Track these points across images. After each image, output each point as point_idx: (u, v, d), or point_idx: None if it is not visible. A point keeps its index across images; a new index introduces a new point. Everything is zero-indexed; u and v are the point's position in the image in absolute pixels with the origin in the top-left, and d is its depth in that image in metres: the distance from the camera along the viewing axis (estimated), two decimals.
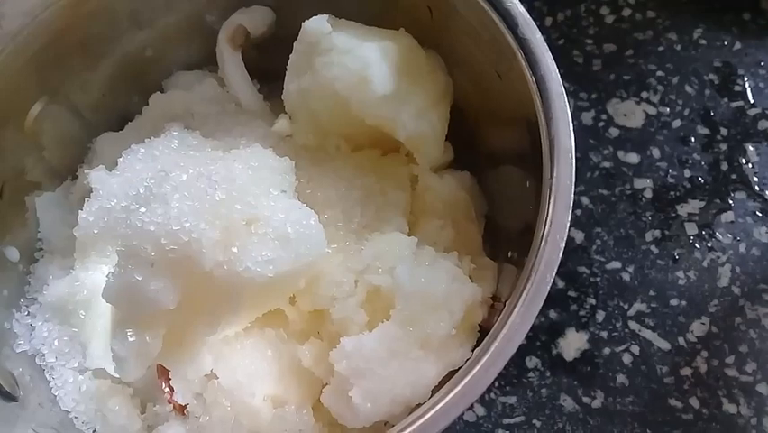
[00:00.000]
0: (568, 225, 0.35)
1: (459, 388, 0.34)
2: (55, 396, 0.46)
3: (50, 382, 0.46)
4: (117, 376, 0.43)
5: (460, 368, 0.37)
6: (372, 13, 0.47)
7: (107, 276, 0.39)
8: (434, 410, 0.34)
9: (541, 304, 0.35)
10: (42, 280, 0.49)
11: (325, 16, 0.45)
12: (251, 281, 0.38)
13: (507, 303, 0.36)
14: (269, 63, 0.50)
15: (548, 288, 0.35)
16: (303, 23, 0.45)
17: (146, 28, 0.51)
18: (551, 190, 0.36)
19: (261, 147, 0.43)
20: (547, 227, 0.36)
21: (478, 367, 0.34)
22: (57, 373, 0.46)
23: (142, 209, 0.37)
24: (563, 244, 0.35)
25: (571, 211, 0.35)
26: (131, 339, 0.38)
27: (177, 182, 0.38)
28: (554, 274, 0.35)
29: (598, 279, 0.57)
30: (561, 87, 0.38)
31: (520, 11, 0.41)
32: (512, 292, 0.37)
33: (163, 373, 0.43)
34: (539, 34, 0.40)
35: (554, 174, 0.36)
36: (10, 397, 0.42)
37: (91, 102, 0.52)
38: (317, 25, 0.44)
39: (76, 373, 0.46)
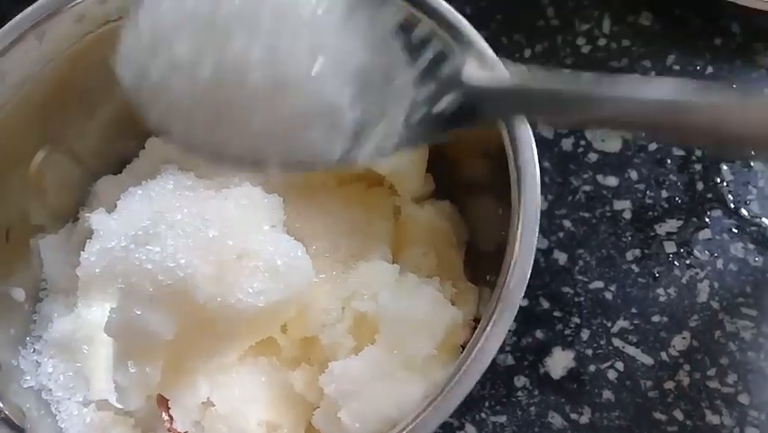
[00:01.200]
0: (534, 248, 0.38)
1: (436, 402, 0.36)
2: (61, 428, 0.47)
3: (56, 415, 0.48)
4: (120, 407, 0.45)
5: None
6: None
7: (109, 312, 0.41)
8: (411, 426, 0.36)
9: (510, 322, 0.37)
10: (47, 319, 0.51)
11: None
12: (244, 312, 0.40)
13: (479, 323, 0.38)
14: None
15: (517, 306, 0.37)
16: None
17: None
18: (519, 216, 0.39)
19: (251, 185, 0.46)
20: (516, 250, 0.38)
21: (452, 383, 0.36)
22: (63, 406, 0.48)
23: (140, 248, 0.40)
24: (530, 267, 0.37)
25: (537, 235, 0.38)
26: (131, 370, 0.40)
27: (172, 222, 0.41)
28: (523, 293, 0.37)
29: (582, 298, 0.59)
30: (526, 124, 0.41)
31: (481, 45, 0.43)
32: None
33: (162, 403, 0.45)
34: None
35: (522, 201, 0.39)
36: (19, 430, 0.44)
37: (90, 148, 0.54)
38: None
39: (80, 406, 0.48)
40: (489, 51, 0.43)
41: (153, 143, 0.54)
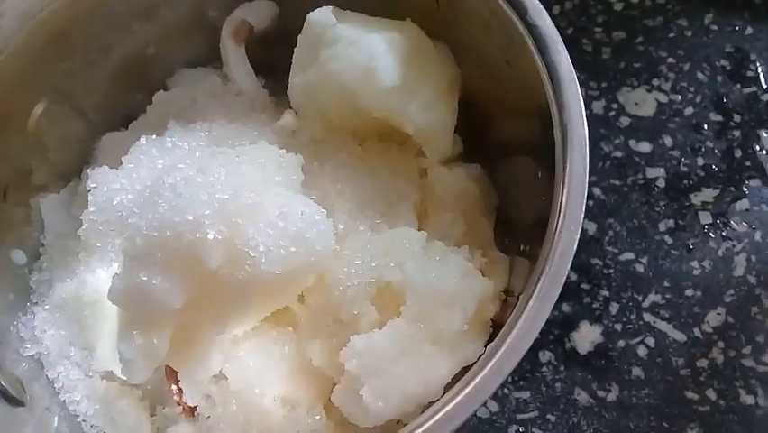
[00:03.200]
0: (582, 215, 0.34)
1: (473, 385, 0.33)
2: (63, 400, 0.45)
3: (56, 385, 0.46)
4: (125, 379, 0.42)
5: (473, 364, 0.37)
6: (377, 4, 0.47)
7: (113, 278, 0.38)
8: (447, 408, 0.33)
9: (556, 297, 0.34)
10: (48, 284, 0.48)
11: (330, 8, 0.44)
12: (259, 279, 0.37)
13: (520, 297, 0.35)
14: (272, 58, 0.50)
15: (563, 280, 0.34)
16: (307, 15, 0.44)
17: (147, 25, 0.50)
18: (564, 180, 0.35)
19: (267, 143, 0.42)
20: (561, 218, 0.35)
21: (492, 363, 0.33)
22: (64, 376, 0.45)
23: (147, 207, 0.37)
24: (578, 236, 0.34)
25: (585, 202, 0.35)
26: (137, 341, 0.37)
27: (181, 179, 0.37)
28: (569, 267, 0.34)
29: (612, 270, 0.56)
30: (573, 74, 0.37)
31: None
32: (525, 286, 0.36)
33: (171, 375, 0.43)
34: (549, 20, 0.39)
35: (567, 163, 0.36)
36: (17, 402, 0.42)
37: (94, 101, 0.51)
38: (322, 17, 0.43)
39: (83, 377, 0.45)
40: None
41: (161, 97, 0.51)
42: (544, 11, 0.39)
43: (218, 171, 0.37)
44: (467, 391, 0.33)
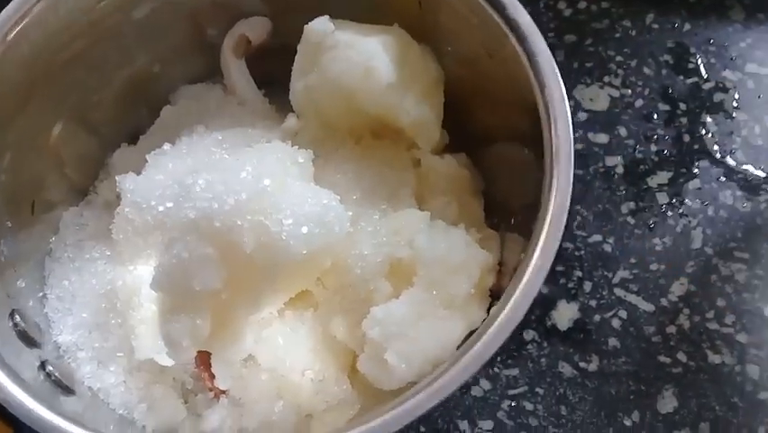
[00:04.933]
0: (571, 188, 0.38)
1: (480, 343, 0.37)
2: (108, 392, 0.47)
3: (95, 376, 0.47)
4: (168, 363, 0.44)
5: (476, 329, 0.40)
6: (364, 13, 0.50)
7: (156, 268, 0.40)
8: (456, 366, 0.36)
9: (550, 264, 0.38)
10: (82, 282, 0.50)
11: (326, 17, 0.48)
12: (287, 261, 0.40)
13: (518, 267, 0.39)
14: (268, 70, 0.53)
15: (555, 251, 0.38)
16: (306, 26, 0.48)
17: (153, 46, 0.54)
18: (553, 157, 0.39)
19: (280, 141, 0.45)
20: (554, 192, 0.39)
21: (499, 319, 0.37)
22: (103, 367, 0.47)
23: (181, 204, 0.40)
24: (566, 213, 0.38)
25: (572, 174, 0.38)
26: (183, 322, 0.39)
27: (210, 176, 0.40)
28: (561, 238, 0.38)
29: (582, 252, 0.60)
30: (551, 59, 0.42)
31: None
32: (521, 257, 0.39)
33: (203, 361, 0.44)
34: (527, 14, 0.43)
35: (554, 139, 0.40)
36: (69, 391, 0.43)
37: (105, 119, 0.54)
38: (320, 26, 0.47)
39: (120, 368, 0.47)
40: None
41: (168, 111, 0.54)
42: (521, 6, 0.43)
43: (243, 167, 0.41)
44: (475, 348, 0.37)
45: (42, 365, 0.44)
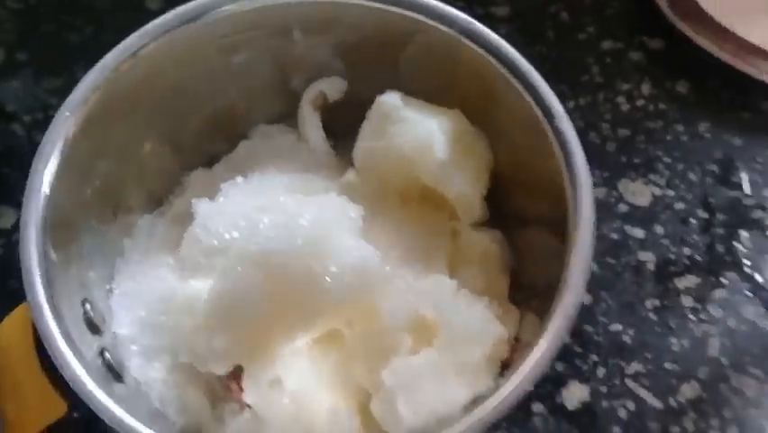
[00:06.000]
0: (585, 284, 0.42)
1: (486, 406, 0.41)
2: (150, 385, 0.51)
3: (141, 369, 0.52)
4: (200, 371, 0.49)
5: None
6: (432, 89, 0.56)
7: (211, 287, 0.46)
8: (460, 425, 0.41)
9: (558, 346, 0.42)
10: (145, 283, 0.55)
11: (397, 93, 0.54)
12: (329, 302, 0.46)
13: (530, 343, 0.43)
14: (337, 123, 0.60)
15: (567, 331, 0.41)
16: (378, 97, 0.54)
17: (240, 86, 0.60)
18: (572, 249, 0.43)
19: (337, 194, 0.51)
20: (569, 284, 0.43)
21: (504, 393, 0.41)
22: (149, 362, 0.52)
23: (245, 236, 0.46)
24: (580, 301, 0.42)
25: (588, 274, 0.42)
26: (225, 339, 0.45)
27: (275, 217, 0.46)
28: (572, 323, 0.42)
29: (601, 338, 0.63)
30: (586, 168, 0.46)
31: (557, 107, 0.49)
32: (534, 335, 0.43)
33: (235, 375, 0.50)
34: (572, 128, 0.48)
35: (577, 238, 0.44)
36: (120, 378, 0.49)
37: (189, 143, 0.60)
38: (391, 100, 0.54)
39: (163, 366, 0.52)
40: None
41: (245, 145, 0.61)
42: (568, 119, 0.48)
43: (303, 214, 0.47)
44: (478, 412, 0.41)
45: (101, 352, 0.48)
